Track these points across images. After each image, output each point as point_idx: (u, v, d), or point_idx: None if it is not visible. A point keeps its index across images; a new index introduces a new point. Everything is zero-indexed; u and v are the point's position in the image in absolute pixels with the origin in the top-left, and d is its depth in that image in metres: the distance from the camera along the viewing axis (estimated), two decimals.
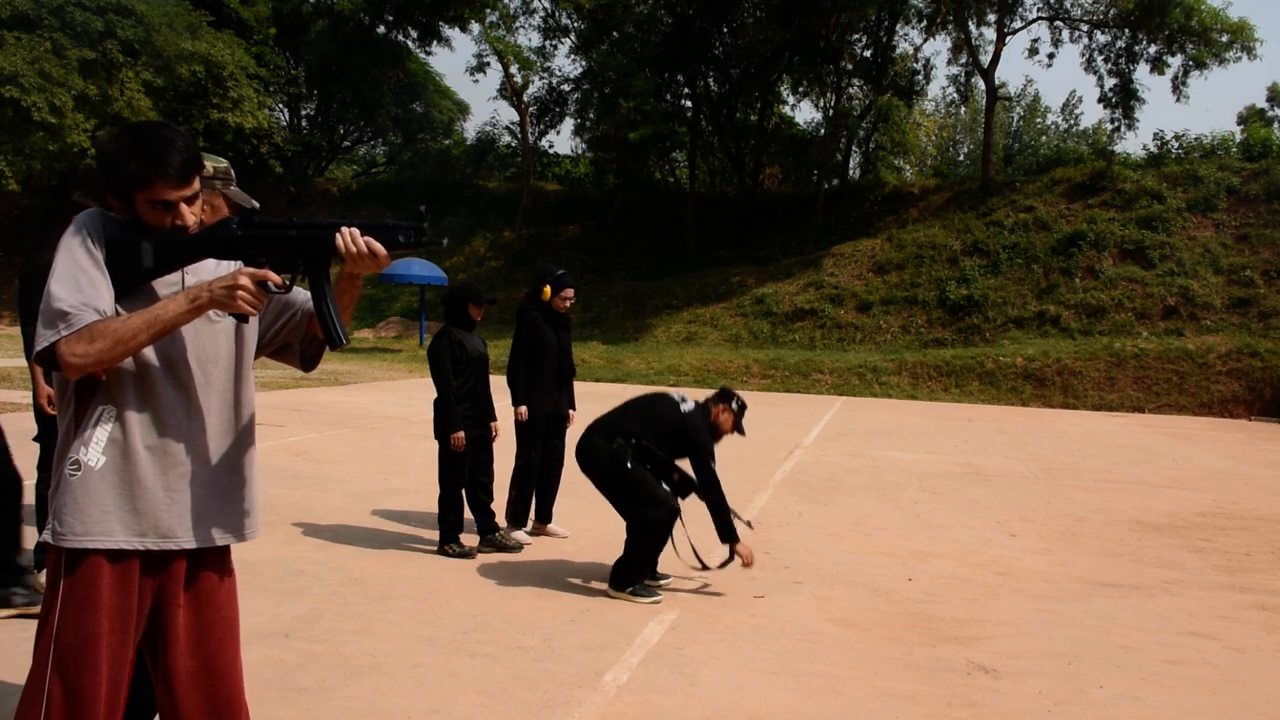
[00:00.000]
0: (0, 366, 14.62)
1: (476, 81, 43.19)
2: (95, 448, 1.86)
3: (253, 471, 2.07)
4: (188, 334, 1.92)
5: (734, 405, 4.81)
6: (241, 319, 1.97)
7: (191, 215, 1.92)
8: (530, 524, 5.83)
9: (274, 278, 1.89)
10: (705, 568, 5.00)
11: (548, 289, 5.63)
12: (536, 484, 5.79)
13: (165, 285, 1.93)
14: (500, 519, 5.64)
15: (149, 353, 1.88)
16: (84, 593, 1.84)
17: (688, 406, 4.71)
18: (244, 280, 1.82)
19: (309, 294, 2.02)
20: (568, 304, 5.71)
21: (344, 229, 1.91)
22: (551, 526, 5.84)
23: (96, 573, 1.85)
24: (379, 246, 1.91)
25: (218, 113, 27.27)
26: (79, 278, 1.81)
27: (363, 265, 1.92)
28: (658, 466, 4.67)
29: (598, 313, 25.06)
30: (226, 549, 2.06)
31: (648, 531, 4.56)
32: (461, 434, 5.20)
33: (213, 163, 2.43)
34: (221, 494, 1.99)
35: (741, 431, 4.85)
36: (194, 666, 1.98)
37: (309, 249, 1.95)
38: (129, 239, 1.87)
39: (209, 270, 2.01)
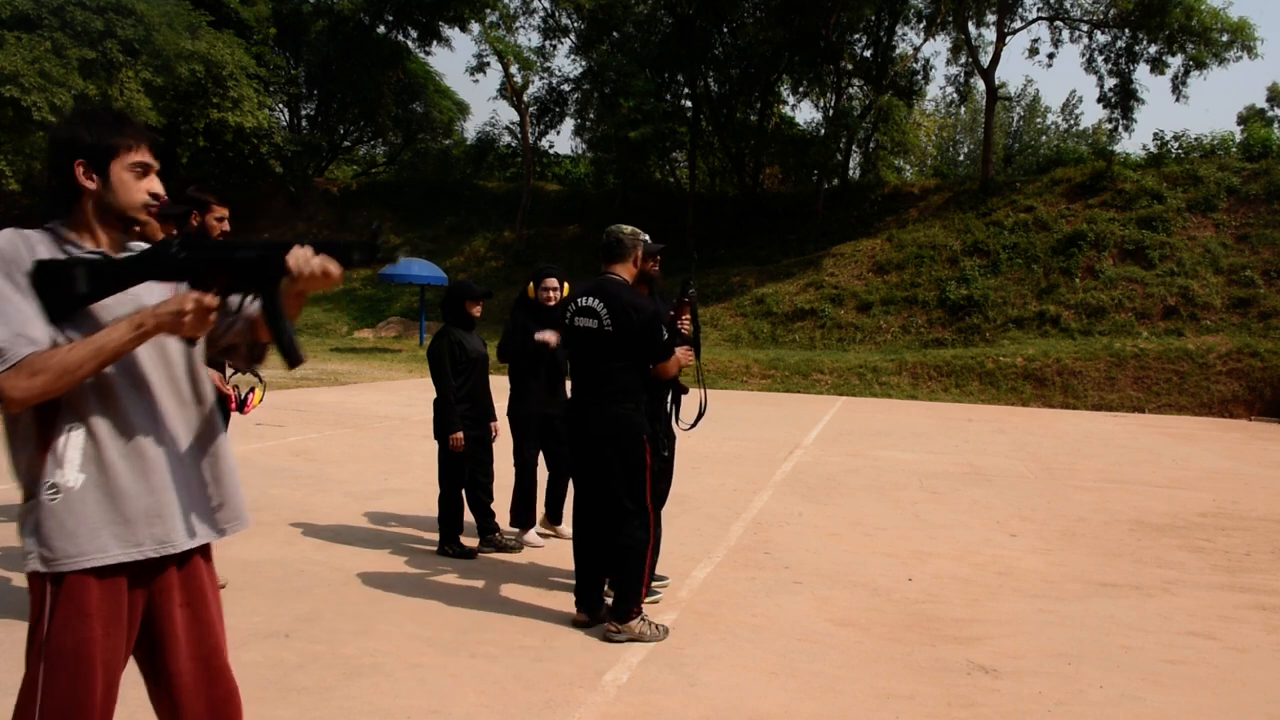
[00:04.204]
0: None
1: (476, 81, 43.23)
2: (71, 467, 1.80)
3: (227, 462, 2.03)
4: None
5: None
6: (189, 341, 1.94)
7: (160, 187, 1.90)
8: (541, 524, 5.82)
9: (214, 301, 1.84)
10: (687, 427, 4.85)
11: (531, 286, 5.63)
12: (548, 485, 5.78)
13: (122, 302, 1.87)
14: (501, 520, 5.63)
15: None
16: (73, 597, 1.81)
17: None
18: (190, 306, 1.79)
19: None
20: (551, 295, 5.53)
21: (297, 249, 1.88)
22: (562, 528, 5.79)
23: (84, 580, 1.81)
24: (333, 267, 1.88)
25: (218, 112, 27.27)
26: (5, 308, 1.72)
27: (315, 285, 1.89)
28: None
29: None
30: (208, 545, 2.04)
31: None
32: (461, 434, 5.20)
33: (634, 230, 4.23)
34: (202, 490, 1.97)
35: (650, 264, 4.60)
36: (195, 668, 1.96)
37: (260, 271, 1.90)
38: (60, 264, 1.78)
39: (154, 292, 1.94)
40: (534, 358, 5.56)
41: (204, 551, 2.02)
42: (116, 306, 1.85)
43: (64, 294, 1.78)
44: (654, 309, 4.16)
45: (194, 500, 1.95)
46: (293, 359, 1.97)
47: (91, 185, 1.85)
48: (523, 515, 5.69)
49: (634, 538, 4.06)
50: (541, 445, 5.69)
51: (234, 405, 4.39)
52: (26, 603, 1.89)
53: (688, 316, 4.63)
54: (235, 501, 2.04)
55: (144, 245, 1.99)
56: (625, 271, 4.22)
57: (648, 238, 4.36)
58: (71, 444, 1.80)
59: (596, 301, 4.10)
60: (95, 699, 1.82)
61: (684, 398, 4.79)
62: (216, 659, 2.00)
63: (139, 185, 1.87)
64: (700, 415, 4.76)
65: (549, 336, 5.45)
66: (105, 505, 1.82)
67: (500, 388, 5.54)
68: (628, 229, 4.26)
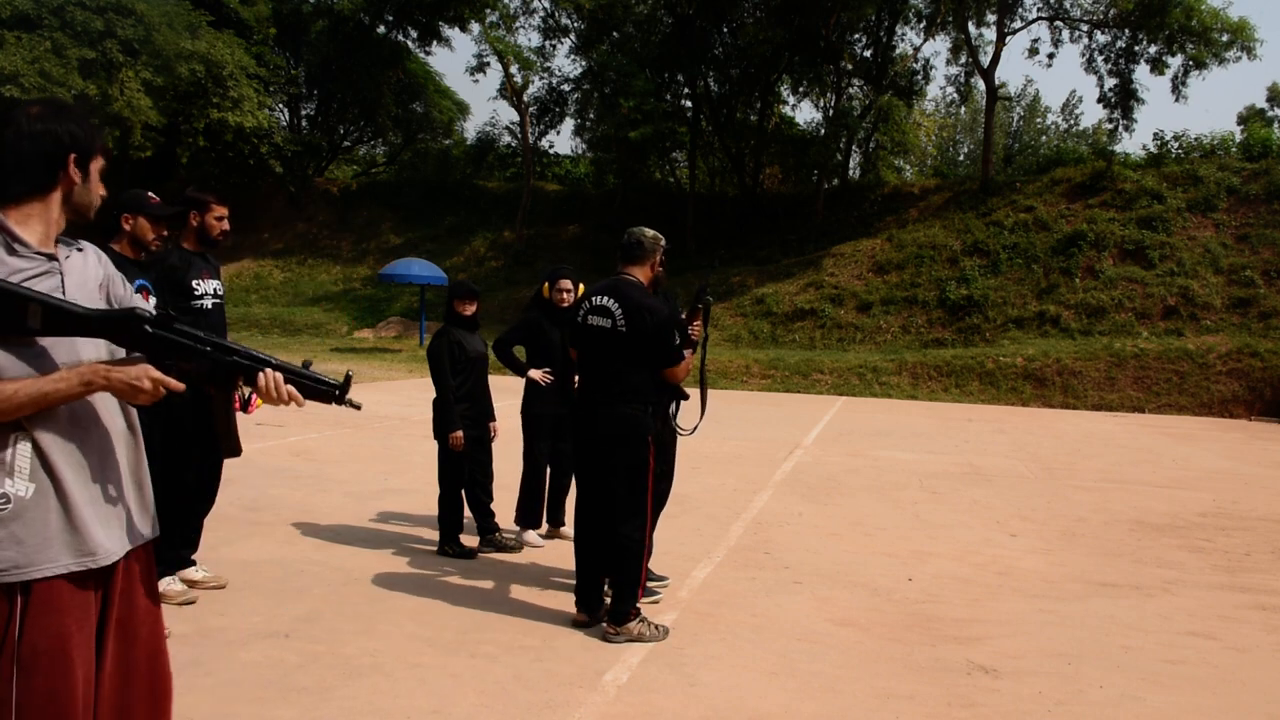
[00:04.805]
0: None
1: (476, 81, 43.16)
2: (20, 477, 1.79)
3: (145, 463, 2.06)
4: (65, 350, 1.85)
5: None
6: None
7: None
8: (544, 528, 5.81)
9: (177, 386, 1.87)
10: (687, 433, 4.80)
11: (546, 286, 5.66)
12: (550, 487, 5.76)
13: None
14: (500, 519, 5.62)
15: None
16: (44, 597, 1.79)
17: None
18: (148, 385, 1.81)
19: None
20: (565, 295, 5.57)
21: (269, 371, 1.96)
22: (565, 529, 5.77)
23: (53, 579, 1.81)
24: (299, 396, 1.98)
25: (218, 112, 27.26)
26: None
27: (276, 404, 2.00)
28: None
29: None
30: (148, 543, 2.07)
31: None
32: (460, 434, 5.20)
33: (656, 234, 4.28)
34: (135, 496, 1.99)
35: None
36: (136, 654, 1.97)
37: (226, 375, 1.96)
38: (16, 295, 1.76)
39: (92, 261, 1.97)
40: (545, 357, 5.58)
41: (144, 547, 2.03)
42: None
43: (11, 322, 1.76)
44: (668, 312, 4.18)
45: (130, 504, 1.96)
46: (230, 450, 2.08)
47: (77, 180, 1.89)
48: (528, 514, 5.68)
49: (631, 539, 4.07)
50: (552, 444, 5.68)
51: (238, 405, 4.39)
52: None
53: (699, 323, 4.64)
54: (151, 502, 2.06)
55: (73, 242, 1.98)
56: (642, 274, 4.25)
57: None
58: (20, 453, 1.79)
59: (611, 301, 4.13)
60: (77, 696, 1.80)
61: (683, 403, 4.78)
62: (155, 641, 2.01)
63: (100, 186, 1.94)
64: (699, 420, 4.76)
65: (538, 376, 5.55)
66: (57, 514, 1.81)
67: (500, 387, 5.55)
68: (649, 232, 4.31)
